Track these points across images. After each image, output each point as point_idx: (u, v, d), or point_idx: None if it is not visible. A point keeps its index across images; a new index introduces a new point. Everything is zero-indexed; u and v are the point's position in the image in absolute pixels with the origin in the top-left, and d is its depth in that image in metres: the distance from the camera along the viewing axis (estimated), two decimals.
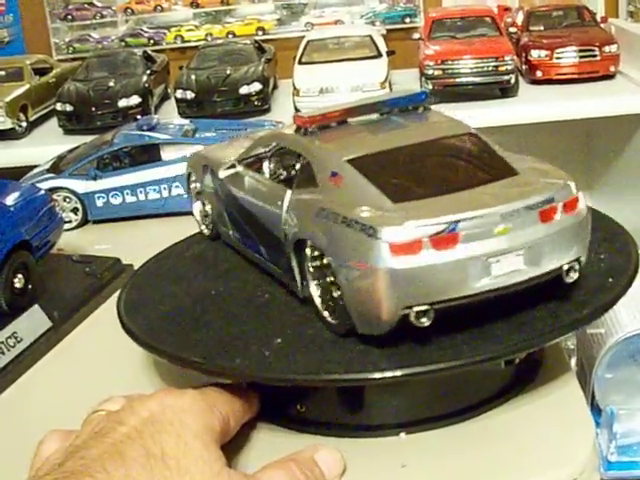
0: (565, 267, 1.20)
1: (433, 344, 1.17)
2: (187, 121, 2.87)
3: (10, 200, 1.88)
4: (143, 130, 2.67)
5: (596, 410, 1.84)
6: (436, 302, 1.12)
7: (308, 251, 1.26)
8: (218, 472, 1.03)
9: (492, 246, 1.12)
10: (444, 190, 1.18)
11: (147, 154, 2.60)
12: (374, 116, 1.39)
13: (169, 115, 4.11)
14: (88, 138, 3.02)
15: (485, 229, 1.12)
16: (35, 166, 2.82)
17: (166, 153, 2.59)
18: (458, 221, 1.11)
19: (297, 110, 3.96)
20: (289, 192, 1.32)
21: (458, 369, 1.15)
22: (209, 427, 1.08)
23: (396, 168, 1.24)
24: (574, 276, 1.21)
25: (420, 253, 1.10)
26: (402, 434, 1.23)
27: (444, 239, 1.11)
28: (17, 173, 3.20)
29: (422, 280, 1.11)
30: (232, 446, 1.17)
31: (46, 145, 3.84)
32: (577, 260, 1.21)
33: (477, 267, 1.12)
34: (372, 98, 1.43)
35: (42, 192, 2.04)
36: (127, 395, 1.12)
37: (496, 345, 1.17)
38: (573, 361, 1.95)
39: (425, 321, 1.12)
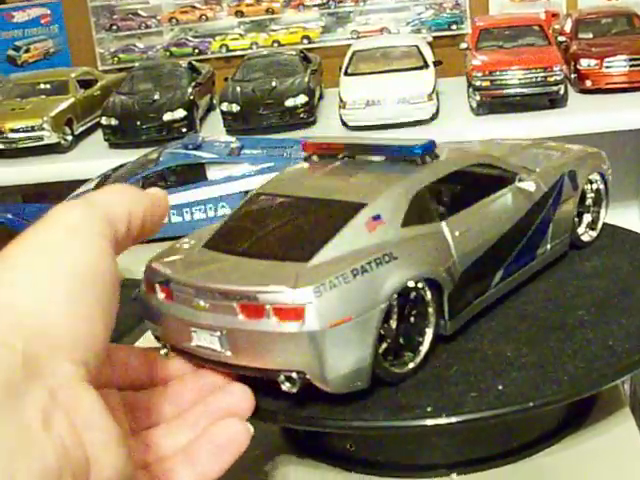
0: (281, 375, 1.10)
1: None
2: (233, 138, 2.85)
3: None
4: (188, 149, 2.65)
5: None
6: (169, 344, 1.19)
7: None
8: None
9: (190, 316, 1.14)
10: (240, 252, 1.20)
11: (193, 173, 2.59)
12: (379, 158, 1.34)
13: (215, 128, 4.11)
14: (133, 151, 3.01)
15: (186, 298, 1.14)
16: (82, 180, 2.81)
17: (212, 172, 2.57)
18: (169, 280, 1.17)
19: (344, 123, 3.95)
20: None
21: (513, 415, 1.12)
22: None
23: (262, 215, 1.29)
24: (292, 387, 1.10)
25: (155, 295, 1.18)
26: (453, 475, 1.20)
27: (164, 290, 1.17)
28: (64, 187, 3.22)
29: (157, 318, 1.19)
30: None
31: (92, 159, 3.85)
32: (299, 372, 1.10)
33: (184, 329, 1.15)
34: (377, 139, 1.43)
35: None
36: None
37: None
38: (627, 387, 1.90)
39: (164, 353, 1.18)
